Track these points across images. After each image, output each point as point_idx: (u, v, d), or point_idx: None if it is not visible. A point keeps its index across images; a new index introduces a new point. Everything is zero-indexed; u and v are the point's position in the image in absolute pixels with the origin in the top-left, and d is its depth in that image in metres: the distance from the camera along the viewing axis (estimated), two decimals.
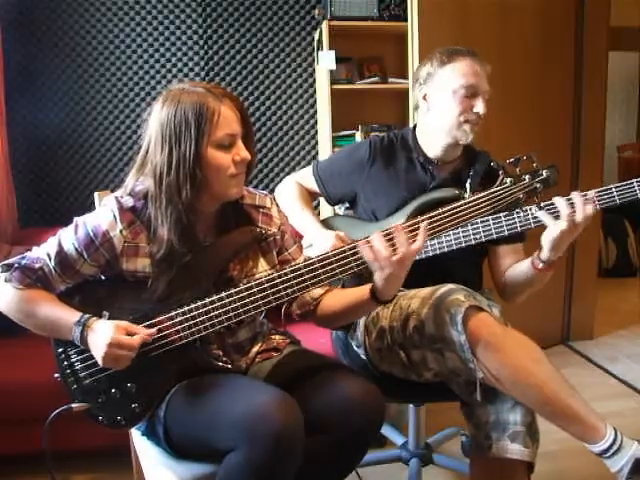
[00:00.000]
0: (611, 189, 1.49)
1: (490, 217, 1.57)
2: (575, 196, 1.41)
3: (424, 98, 1.68)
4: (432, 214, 1.25)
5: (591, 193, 1.45)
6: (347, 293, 1.39)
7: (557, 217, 1.41)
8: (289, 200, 1.82)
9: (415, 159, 1.72)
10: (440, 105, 1.64)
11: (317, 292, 1.41)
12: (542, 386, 1.32)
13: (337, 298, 1.40)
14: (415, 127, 1.77)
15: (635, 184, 1.47)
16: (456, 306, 1.35)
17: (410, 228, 1.22)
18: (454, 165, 1.72)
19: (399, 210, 1.67)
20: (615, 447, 1.27)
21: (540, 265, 1.52)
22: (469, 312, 1.34)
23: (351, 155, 1.78)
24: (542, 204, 1.37)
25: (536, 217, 1.53)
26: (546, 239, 1.46)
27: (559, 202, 1.40)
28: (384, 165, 1.72)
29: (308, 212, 1.78)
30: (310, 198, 1.85)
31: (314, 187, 1.82)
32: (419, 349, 1.44)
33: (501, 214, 1.56)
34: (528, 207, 1.47)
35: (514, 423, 1.39)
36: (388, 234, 1.21)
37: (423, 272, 1.60)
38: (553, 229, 1.42)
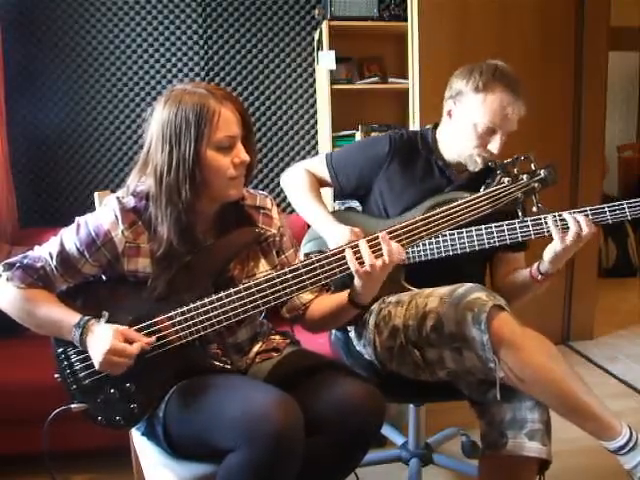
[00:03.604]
0: (604, 208, 1.49)
1: (505, 223, 1.56)
2: (578, 214, 1.42)
3: (449, 113, 1.65)
4: (431, 213, 1.25)
5: (587, 211, 1.44)
6: (330, 298, 1.40)
7: (565, 232, 1.42)
8: (299, 189, 1.77)
9: (434, 161, 1.70)
10: (459, 128, 1.62)
11: (307, 297, 1.42)
12: (561, 384, 1.33)
13: (322, 303, 1.42)
14: (435, 127, 1.74)
15: (625, 205, 1.49)
16: (479, 305, 1.35)
17: (392, 235, 1.23)
18: (472, 172, 1.70)
19: (412, 209, 1.66)
20: (631, 444, 1.28)
21: (539, 277, 1.55)
22: (492, 312, 1.35)
23: (369, 149, 1.75)
24: (540, 206, 1.38)
25: (525, 229, 1.55)
26: (549, 253, 1.48)
27: (569, 218, 1.41)
28: (402, 163, 1.70)
29: (319, 205, 1.73)
30: (319, 187, 1.81)
31: (325, 177, 1.79)
32: (436, 348, 1.43)
33: (515, 220, 1.55)
34: (543, 216, 1.48)
35: (532, 421, 1.39)
36: (373, 239, 1.22)
37: (432, 270, 1.61)
38: (558, 244, 1.43)
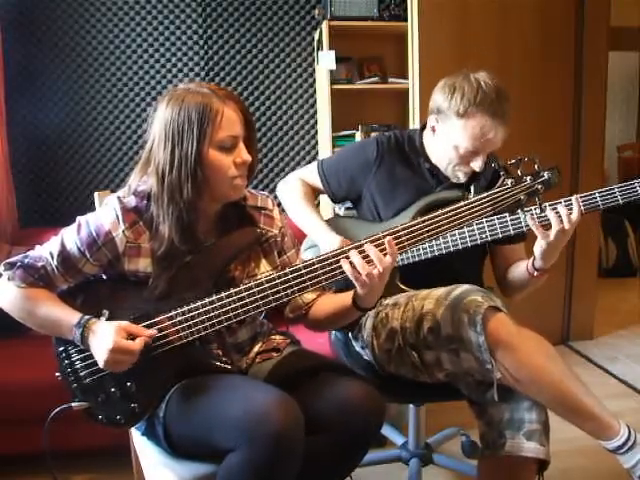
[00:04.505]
0: (594, 194, 1.49)
1: (495, 217, 1.56)
2: (560, 207, 1.40)
3: (432, 129, 1.64)
4: (432, 215, 1.24)
5: (574, 198, 1.42)
6: (334, 299, 1.40)
7: (546, 227, 1.41)
8: (293, 199, 1.79)
9: (422, 163, 1.70)
10: (442, 146, 1.62)
11: (309, 297, 1.42)
12: (559, 384, 1.34)
13: (326, 303, 1.41)
14: (423, 129, 1.74)
15: (616, 190, 1.48)
16: (475, 307, 1.36)
17: (378, 242, 1.21)
18: None
19: (404, 211, 1.66)
20: (630, 443, 1.29)
21: (535, 273, 1.54)
22: (488, 313, 1.35)
23: (357, 154, 1.75)
24: (542, 206, 1.37)
25: (504, 225, 1.56)
26: (537, 249, 1.48)
27: (550, 215, 1.39)
28: (391, 166, 1.70)
29: (313, 213, 1.75)
30: (314, 196, 1.83)
31: (318, 184, 1.80)
32: (433, 350, 1.43)
33: (506, 214, 1.55)
34: (532, 207, 1.47)
35: (529, 421, 1.40)
36: (360, 246, 1.21)
37: (429, 270, 1.61)
38: (542, 240, 1.43)
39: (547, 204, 1.42)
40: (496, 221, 1.58)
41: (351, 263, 1.20)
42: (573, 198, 1.41)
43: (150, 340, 1.22)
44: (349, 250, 1.21)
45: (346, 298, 1.32)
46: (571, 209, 1.40)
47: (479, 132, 1.52)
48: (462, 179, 1.63)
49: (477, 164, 1.57)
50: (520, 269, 1.61)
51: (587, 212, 1.47)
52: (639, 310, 3.72)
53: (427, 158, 1.70)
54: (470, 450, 2.06)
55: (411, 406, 1.89)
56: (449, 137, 1.58)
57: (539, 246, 1.46)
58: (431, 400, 1.81)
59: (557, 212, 1.39)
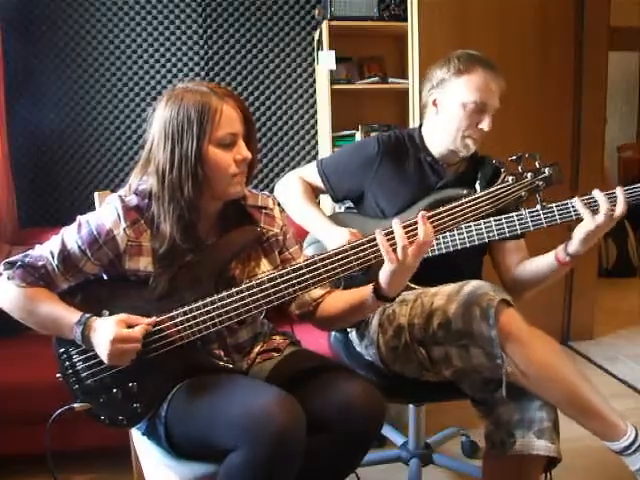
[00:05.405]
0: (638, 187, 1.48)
1: (503, 216, 1.57)
2: (618, 192, 1.41)
3: (434, 103, 1.68)
4: (433, 212, 1.24)
5: (618, 190, 1.42)
6: (348, 294, 1.37)
7: (595, 211, 1.41)
8: (293, 197, 1.78)
9: (423, 159, 1.71)
10: (448, 113, 1.65)
11: (317, 293, 1.40)
12: (567, 382, 1.34)
13: (338, 300, 1.39)
14: (421, 126, 1.76)
15: None
16: (487, 300, 1.35)
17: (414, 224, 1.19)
18: (458, 166, 1.73)
19: (409, 207, 1.66)
20: (636, 445, 1.28)
21: (567, 259, 1.52)
22: (500, 306, 1.35)
23: (358, 152, 1.76)
24: (581, 197, 1.40)
25: (550, 215, 1.55)
26: (580, 232, 1.45)
27: (599, 196, 1.40)
28: (393, 163, 1.71)
29: (315, 209, 1.75)
30: (314, 194, 1.83)
31: (318, 183, 1.80)
32: (442, 346, 1.43)
33: (513, 213, 1.56)
34: (570, 201, 1.49)
35: (540, 420, 1.39)
36: (407, 225, 1.19)
37: (433, 268, 1.61)
38: (589, 223, 1.41)
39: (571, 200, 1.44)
40: (501, 219, 1.58)
41: (388, 235, 1.17)
42: (617, 189, 1.42)
43: (150, 328, 1.22)
44: (356, 246, 1.20)
45: (363, 291, 1.29)
46: (615, 197, 1.41)
47: (482, 82, 1.60)
48: (472, 147, 1.65)
49: (486, 123, 1.61)
50: (542, 261, 1.60)
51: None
52: (639, 310, 3.72)
53: (428, 152, 1.71)
54: (470, 450, 2.06)
55: (411, 406, 1.88)
56: (455, 99, 1.62)
57: (583, 230, 1.44)
58: (432, 400, 1.81)
59: (609, 197, 1.40)
